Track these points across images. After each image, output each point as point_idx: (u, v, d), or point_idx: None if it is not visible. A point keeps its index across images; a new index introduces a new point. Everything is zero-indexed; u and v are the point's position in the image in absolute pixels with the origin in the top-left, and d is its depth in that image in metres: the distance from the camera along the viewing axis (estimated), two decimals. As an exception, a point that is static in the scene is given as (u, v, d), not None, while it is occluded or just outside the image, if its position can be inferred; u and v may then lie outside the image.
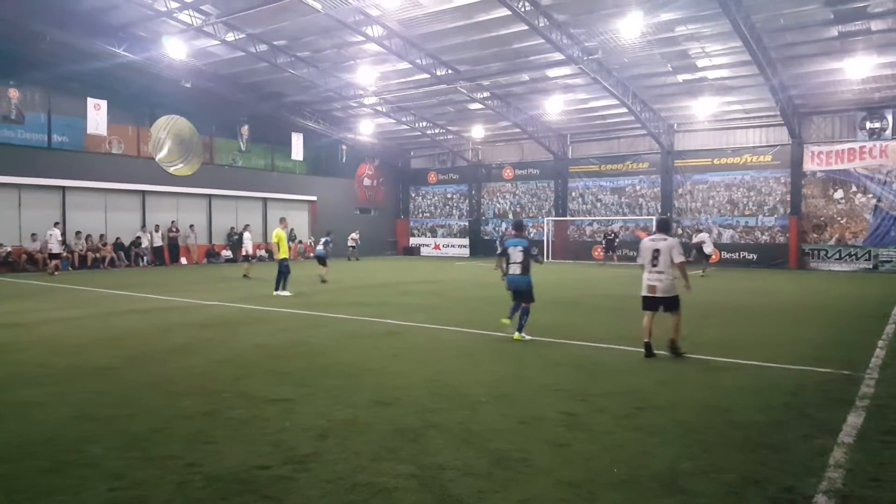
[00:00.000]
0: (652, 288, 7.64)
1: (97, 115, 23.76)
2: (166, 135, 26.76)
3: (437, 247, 38.04)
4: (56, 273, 20.41)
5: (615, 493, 3.73)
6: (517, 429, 4.90)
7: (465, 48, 22.82)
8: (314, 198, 33.67)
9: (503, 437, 4.68)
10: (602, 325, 10.24)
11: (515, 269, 8.72)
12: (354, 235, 31.73)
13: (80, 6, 20.52)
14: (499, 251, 9.33)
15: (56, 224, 21.76)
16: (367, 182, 37.28)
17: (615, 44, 21.29)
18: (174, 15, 20.63)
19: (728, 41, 20.21)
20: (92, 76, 23.04)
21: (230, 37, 22.28)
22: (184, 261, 27.13)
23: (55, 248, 20.29)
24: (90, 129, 23.88)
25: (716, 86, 24.83)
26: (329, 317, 10.92)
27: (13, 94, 22.48)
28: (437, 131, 34.60)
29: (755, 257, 27.46)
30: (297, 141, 31.49)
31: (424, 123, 33.44)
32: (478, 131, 32.65)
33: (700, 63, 22.82)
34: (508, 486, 3.82)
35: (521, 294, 8.78)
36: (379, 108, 30.82)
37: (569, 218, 33.12)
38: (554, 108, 27.73)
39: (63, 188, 23.99)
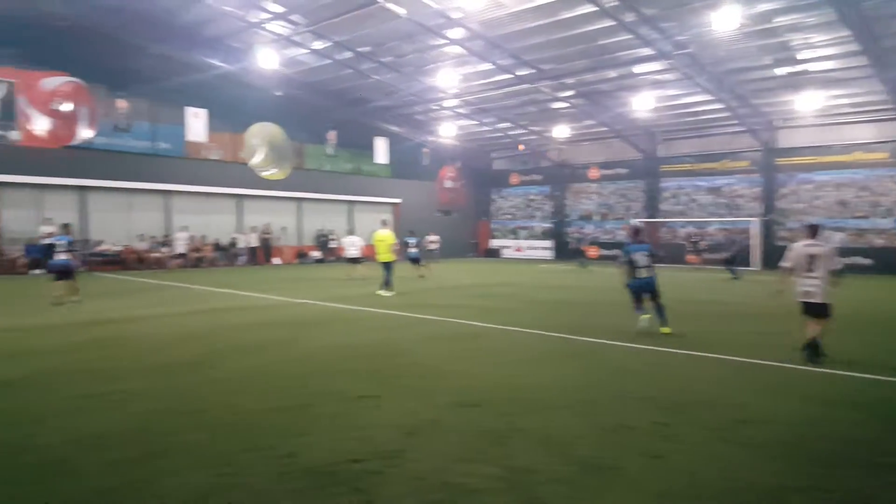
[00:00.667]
0: (808, 294, 7.44)
1: (197, 124, 25.32)
2: (260, 141, 28.05)
3: (519, 249, 37.78)
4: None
5: (713, 506, 3.59)
6: (605, 437, 4.79)
7: (548, 47, 22.57)
8: (398, 200, 34.35)
9: (591, 444, 4.60)
10: (694, 333, 9.82)
11: (643, 273, 9.35)
12: (432, 238, 31.92)
13: (179, 20, 21.97)
14: (623, 259, 9.64)
15: (182, 228, 23.18)
16: (448, 184, 37.60)
17: (709, 37, 20.37)
18: (265, 25, 21.67)
19: (833, 31, 18.92)
20: (191, 87, 24.54)
21: (317, 45, 23.16)
22: (276, 261, 28.37)
23: (180, 249, 21.00)
24: (190, 137, 25.48)
25: (820, 78, 23.21)
26: (412, 317, 11.10)
27: (122, 105, 24.30)
28: (519, 132, 34.40)
29: (870, 262, 25.34)
30: (381, 145, 32.24)
31: (506, 124, 33.34)
32: (561, 131, 32.18)
33: (802, 55, 21.46)
34: (599, 494, 3.76)
35: (653, 293, 9.44)
36: (460, 110, 31.04)
37: (660, 220, 31.96)
38: (643, 105, 26.88)
39: (167, 192, 25.70)
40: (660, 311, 9.38)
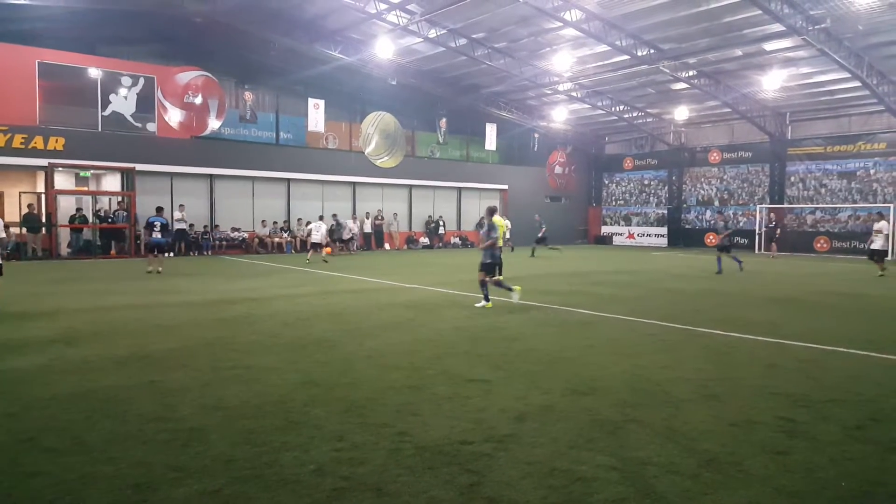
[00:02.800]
0: None
1: (316, 114, 26.52)
2: (374, 130, 28.97)
3: (631, 236, 36.48)
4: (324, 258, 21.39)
5: (848, 511, 3.31)
6: (728, 431, 4.52)
7: (669, 25, 21.48)
8: (505, 186, 34.21)
9: (712, 438, 4.36)
10: (825, 326, 9.04)
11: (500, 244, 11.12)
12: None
13: (303, 14, 23.01)
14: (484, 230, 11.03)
15: (321, 217, 24.11)
16: (558, 170, 36.92)
17: (846, 10, 18.56)
18: (383, 16, 22.19)
19: None
20: (312, 78, 25.73)
21: (432, 33, 23.43)
22: (387, 246, 29.24)
23: (316, 238, 21.22)
24: (310, 127, 26.74)
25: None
26: (523, 304, 11.02)
27: (248, 97, 25.94)
28: (635, 115, 33.08)
29: None
30: (491, 131, 32.19)
31: (621, 107, 32.16)
32: (681, 113, 30.59)
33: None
34: (719, 489, 3.56)
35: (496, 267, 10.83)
36: (574, 93, 30.30)
37: (787, 206, 29.68)
38: (771, 84, 24.98)
39: (288, 180, 27.15)
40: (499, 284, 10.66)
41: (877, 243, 17.06)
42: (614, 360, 6.78)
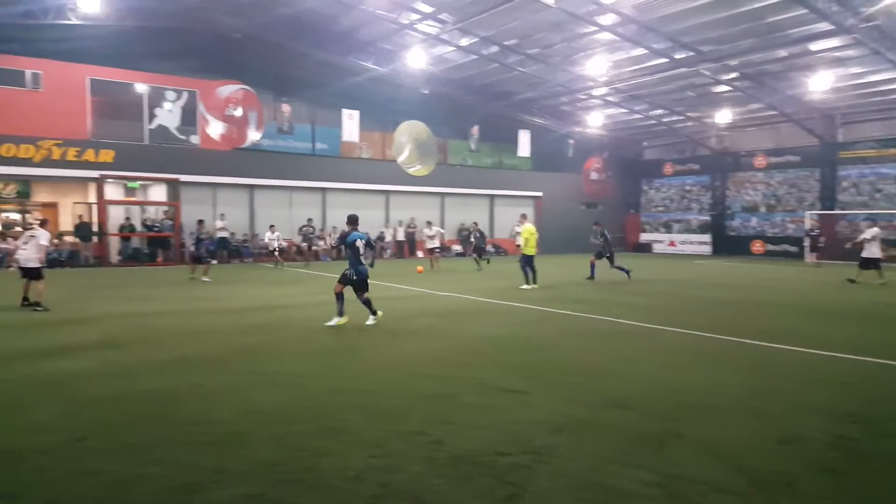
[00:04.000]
0: None
1: (351, 124, 26.85)
2: (407, 139, 29.10)
3: (672, 244, 35.69)
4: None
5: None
6: (777, 448, 4.32)
7: (709, 27, 21.01)
8: (539, 193, 33.93)
9: (761, 455, 4.16)
10: (880, 339, 8.64)
11: (365, 259, 9.30)
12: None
13: (336, 27, 23.35)
14: (336, 244, 9.90)
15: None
16: (594, 176, 36.44)
17: (901, 5, 17.87)
18: (415, 26, 22.34)
19: None
20: (346, 89, 26.07)
21: (464, 41, 23.49)
22: (419, 254, 29.28)
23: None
24: (345, 137, 27.07)
25: None
26: (556, 313, 10.86)
27: (286, 109, 26.41)
28: (674, 119, 32.47)
29: None
30: (524, 138, 32.01)
31: (660, 111, 31.59)
32: (723, 116, 29.87)
33: None
34: (772, 510, 3.39)
35: (364, 283, 9.27)
36: (610, 98, 29.93)
37: (838, 212, 28.61)
38: (819, 85, 24.15)
39: (323, 189, 27.49)
40: (368, 303, 9.26)
41: (869, 251, 16.19)
42: (655, 372, 6.59)
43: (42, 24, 19.87)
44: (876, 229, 16.40)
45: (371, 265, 9.49)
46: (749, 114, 30.36)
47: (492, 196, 32.76)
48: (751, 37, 21.47)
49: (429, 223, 22.17)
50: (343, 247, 9.35)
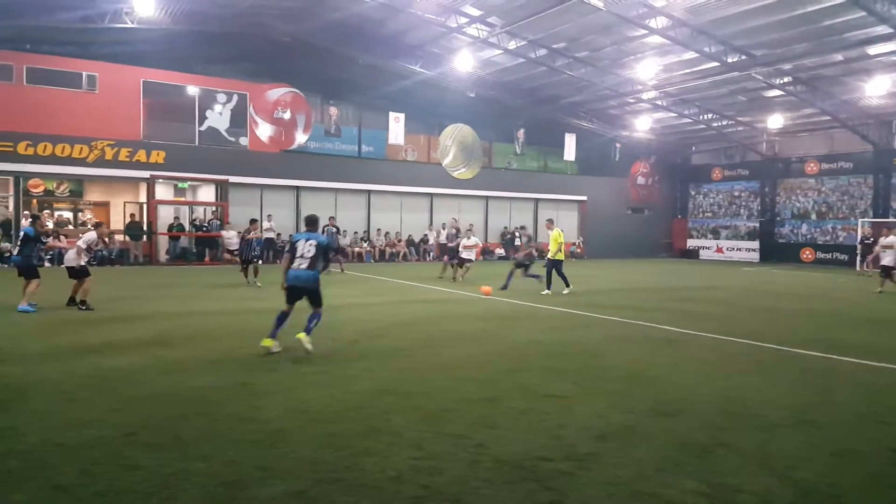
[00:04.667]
0: None
1: (397, 127, 27.07)
2: (452, 142, 29.23)
3: (719, 250, 34.80)
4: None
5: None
6: (829, 461, 4.21)
7: (762, 31, 20.47)
8: (584, 198, 33.56)
9: (811, 467, 4.07)
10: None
11: (302, 264, 7.37)
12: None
13: (384, 31, 23.60)
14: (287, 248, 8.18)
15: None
16: (640, 181, 35.85)
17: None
18: (463, 29, 22.41)
19: None
20: (393, 92, 26.30)
21: (512, 45, 23.43)
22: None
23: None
24: (391, 140, 27.31)
25: None
26: (599, 318, 10.74)
27: (333, 111, 26.84)
28: (724, 123, 31.69)
29: None
30: (569, 141, 31.71)
31: (710, 115, 30.87)
32: (775, 121, 29.05)
33: None
34: (823, 526, 3.30)
35: (308, 293, 7.43)
36: (658, 101, 29.42)
37: (892, 220, 27.50)
38: (876, 90, 23.33)
39: (369, 192, 27.79)
40: (313, 317, 7.41)
41: (887, 259, 16.03)
42: (701, 379, 6.47)
43: (99, 28, 20.59)
44: (893, 237, 16.05)
45: (323, 270, 8.25)
46: (801, 119, 29.43)
47: (536, 200, 32.52)
48: (806, 40, 20.85)
49: (470, 229, 19.69)
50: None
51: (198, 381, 6.01)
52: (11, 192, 21.61)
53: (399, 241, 27.93)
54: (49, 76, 21.25)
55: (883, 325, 10.64)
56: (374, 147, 28.09)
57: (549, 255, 14.67)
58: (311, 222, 8.04)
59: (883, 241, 15.72)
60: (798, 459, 4.21)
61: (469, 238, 17.73)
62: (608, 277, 20.20)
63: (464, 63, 23.99)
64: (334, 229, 19.64)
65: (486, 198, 30.99)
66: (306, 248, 7.40)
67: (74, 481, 3.66)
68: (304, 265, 7.34)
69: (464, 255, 17.44)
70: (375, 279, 17.98)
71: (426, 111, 28.50)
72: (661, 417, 5.10)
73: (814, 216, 30.99)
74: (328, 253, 8.07)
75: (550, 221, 15.65)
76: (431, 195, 29.43)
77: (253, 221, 16.19)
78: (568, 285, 14.46)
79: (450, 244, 18.42)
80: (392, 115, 26.87)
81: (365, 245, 26.83)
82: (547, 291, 14.22)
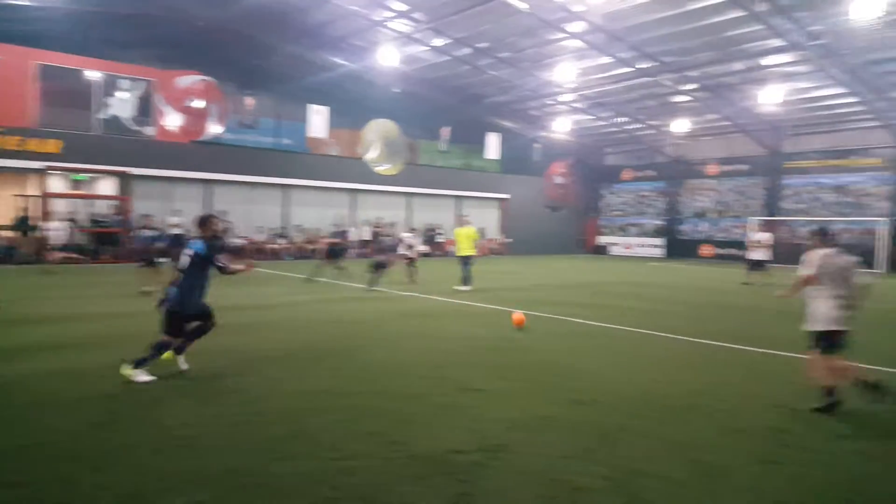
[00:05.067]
0: (843, 319, 5.54)
1: (318, 120, 26.52)
2: (376, 137, 28.93)
3: (627, 247, 36.52)
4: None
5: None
6: (722, 440, 4.58)
7: (672, 39, 21.55)
8: (506, 196, 34.22)
9: (705, 447, 4.41)
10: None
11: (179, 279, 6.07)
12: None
13: (308, 20, 23.00)
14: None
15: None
16: (558, 180, 36.93)
17: (845, 26, 18.69)
18: (387, 24, 22.26)
19: None
20: (315, 84, 25.60)
21: (437, 42, 23.52)
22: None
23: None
24: (312, 133, 26.72)
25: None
26: (526, 315, 10.98)
27: (249, 102, 25.90)
28: (635, 126, 33.18)
29: None
30: (493, 140, 32.22)
31: (623, 119, 32.25)
32: (680, 125, 30.68)
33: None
34: (708, 498, 3.60)
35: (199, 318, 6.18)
36: (576, 104, 30.40)
37: (780, 218, 29.80)
38: (770, 98, 25.07)
39: (287, 186, 27.08)
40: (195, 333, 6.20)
41: (756, 254, 17.42)
42: (616, 371, 6.77)
43: None
44: (768, 234, 17.45)
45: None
46: (705, 123, 31.25)
47: (459, 197, 32.80)
48: (710, 49, 22.11)
49: (412, 229, 17.89)
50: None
51: (100, 387, 5.68)
52: None
53: (319, 238, 27.37)
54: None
55: (777, 315, 11.45)
56: (293, 140, 27.37)
57: (460, 252, 14.68)
58: (201, 223, 6.24)
59: (755, 237, 16.88)
60: (694, 440, 4.53)
61: (414, 237, 16.91)
62: (529, 273, 20.67)
63: (388, 58, 23.80)
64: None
65: (410, 194, 30.96)
66: (183, 260, 6.04)
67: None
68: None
69: (408, 253, 16.43)
70: (293, 277, 17.56)
71: (350, 105, 28.04)
72: (575, 407, 5.30)
73: (713, 215, 33.04)
74: (208, 264, 6.00)
75: (464, 218, 15.74)
76: (354, 191, 29.06)
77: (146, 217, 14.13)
78: (467, 284, 14.45)
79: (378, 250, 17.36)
80: (313, 107, 26.30)
81: (283, 241, 26.14)
82: (467, 288, 14.32)
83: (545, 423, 4.85)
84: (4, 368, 6.13)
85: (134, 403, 5.12)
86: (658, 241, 35.13)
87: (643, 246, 35.74)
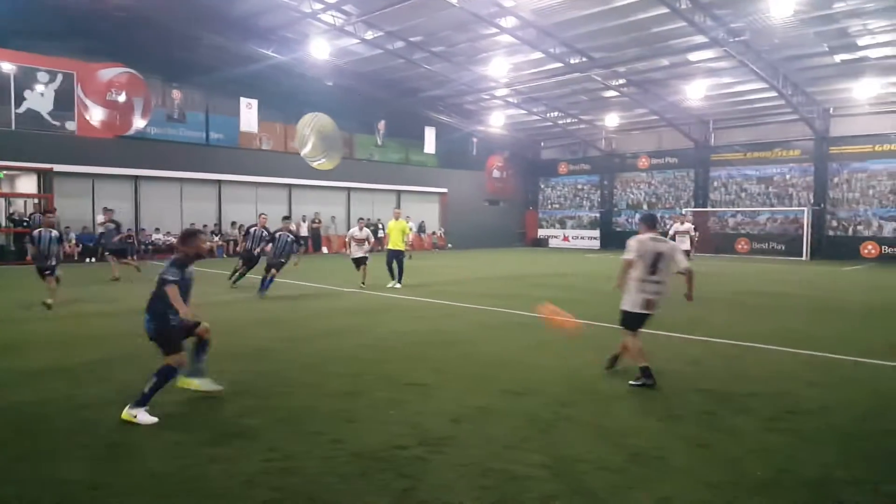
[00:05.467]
0: (649, 303, 5.87)
1: (249, 114, 25.85)
2: (310, 131, 28.43)
3: (566, 238, 37.42)
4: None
5: (758, 496, 3.56)
6: (654, 426, 4.74)
7: (600, 35, 22.13)
8: (445, 190, 34.36)
9: (639, 433, 4.54)
10: (748, 323, 9.53)
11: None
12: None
13: (233, 11, 22.33)
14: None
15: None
16: (496, 174, 37.38)
17: (764, 24, 19.73)
18: (318, 16, 21.88)
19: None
20: (245, 77, 24.88)
21: (369, 35, 23.28)
22: (325, 250, 28.81)
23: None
24: (243, 127, 26.03)
25: (880, 66, 22.54)
26: (461, 307, 11.09)
27: (176, 95, 24.99)
28: (568, 121, 33.93)
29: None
30: (430, 135, 32.27)
31: (556, 113, 32.93)
32: (612, 120, 31.62)
33: (862, 41, 20.78)
34: (644, 482, 3.72)
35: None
36: (510, 99, 30.81)
37: (710, 209, 31.18)
38: (695, 93, 26.18)
39: (219, 182, 26.30)
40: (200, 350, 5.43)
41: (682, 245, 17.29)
42: (551, 360, 6.92)
43: None
44: (689, 224, 17.26)
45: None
46: (635, 118, 32.30)
47: (398, 192, 32.71)
48: (637, 45, 22.85)
49: (360, 221, 15.26)
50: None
51: (15, 395, 5.38)
52: None
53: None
54: None
55: (713, 302, 11.97)
56: (224, 134, 26.56)
57: (391, 246, 14.42)
58: (185, 239, 5.32)
59: (678, 227, 17.22)
60: (629, 427, 4.68)
61: (361, 230, 14.48)
62: (469, 267, 20.87)
63: (320, 50, 23.43)
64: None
65: (349, 189, 30.65)
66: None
67: None
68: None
69: (356, 253, 14.27)
70: (224, 276, 17.04)
71: (282, 98, 27.49)
72: (513, 397, 5.40)
73: (645, 206, 34.19)
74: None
75: (397, 211, 15.68)
76: (290, 186, 28.50)
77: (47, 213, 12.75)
78: (394, 279, 14.31)
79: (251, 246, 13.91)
80: (244, 100, 25.61)
81: (216, 239, 25.36)
82: (396, 284, 14.19)
83: (482, 414, 4.91)
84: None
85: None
86: (594, 232, 36.15)
87: (580, 238, 36.70)
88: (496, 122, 33.74)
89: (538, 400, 5.33)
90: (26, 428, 4.56)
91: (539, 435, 4.46)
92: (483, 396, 5.40)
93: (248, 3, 21.76)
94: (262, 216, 14.25)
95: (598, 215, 36.33)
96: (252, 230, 13.89)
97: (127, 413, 4.64)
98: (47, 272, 10.41)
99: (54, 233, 10.66)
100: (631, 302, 5.92)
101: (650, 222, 6.19)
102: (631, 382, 5.79)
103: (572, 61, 24.14)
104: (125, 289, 13.29)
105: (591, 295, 13.20)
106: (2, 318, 9.39)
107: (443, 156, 34.14)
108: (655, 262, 5.82)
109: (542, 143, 39.51)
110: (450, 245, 33.69)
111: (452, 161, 34.89)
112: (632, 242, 5.97)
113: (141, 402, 4.67)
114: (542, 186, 39.52)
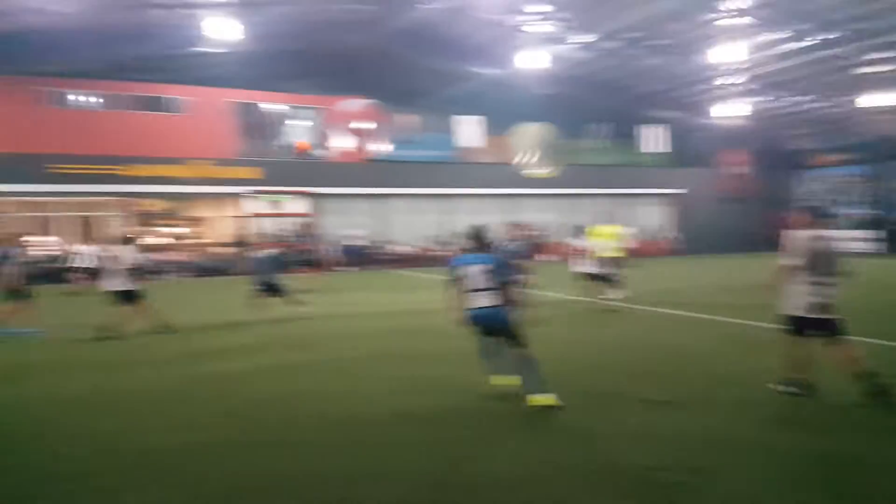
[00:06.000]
0: (824, 307, 4.91)
1: (471, 130, 27.58)
2: (527, 141, 28.92)
3: (829, 240, 31.94)
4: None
5: None
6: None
7: (862, 2, 18.76)
8: (674, 190, 32.04)
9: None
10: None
11: (482, 300, 5.28)
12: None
13: (451, 34, 24.11)
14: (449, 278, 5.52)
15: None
16: (734, 170, 33.74)
17: None
18: (533, 26, 22.30)
19: None
20: (465, 96, 26.72)
21: (585, 38, 22.92)
22: (543, 258, 28.75)
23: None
24: (465, 143, 27.97)
25: None
26: (711, 319, 10.21)
27: (409, 119, 27.38)
28: (825, 104, 29.18)
29: None
30: (653, 133, 30.47)
31: (808, 97, 28.55)
32: (886, 99, 26.43)
33: None
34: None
35: (506, 334, 5.34)
36: (749, 86, 27.60)
37: None
38: None
39: (447, 196, 28.06)
40: (525, 366, 5.27)
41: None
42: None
43: (181, 54, 22.44)
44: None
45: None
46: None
47: (622, 195, 30.99)
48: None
49: (578, 229, 12.70)
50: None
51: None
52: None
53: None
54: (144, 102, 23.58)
55: None
56: (450, 151, 28.47)
57: (599, 254, 11.72)
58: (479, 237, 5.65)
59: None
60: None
61: (580, 238, 12.22)
62: (711, 274, 18.95)
63: (536, 61, 23.77)
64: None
65: (569, 196, 30.05)
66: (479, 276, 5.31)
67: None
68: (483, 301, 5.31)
69: (580, 267, 11.78)
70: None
71: (501, 112, 28.31)
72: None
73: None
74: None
75: (606, 216, 14.43)
76: (509, 196, 29.11)
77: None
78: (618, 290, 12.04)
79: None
80: (466, 118, 27.51)
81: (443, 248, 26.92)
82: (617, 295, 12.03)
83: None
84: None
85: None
86: (868, 233, 29.78)
87: (850, 239, 30.87)
88: (731, 112, 30.44)
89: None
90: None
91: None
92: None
93: (464, 26, 23.22)
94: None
95: (873, 213, 30.38)
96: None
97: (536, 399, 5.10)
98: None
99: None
100: None
101: (816, 213, 5.15)
102: None
103: (829, 37, 20.82)
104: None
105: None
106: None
107: (670, 154, 31.91)
108: None
109: (792, 132, 34.51)
110: (677, 241, 31.23)
111: (682, 159, 32.40)
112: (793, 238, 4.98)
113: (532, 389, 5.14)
114: (793, 181, 34.44)
